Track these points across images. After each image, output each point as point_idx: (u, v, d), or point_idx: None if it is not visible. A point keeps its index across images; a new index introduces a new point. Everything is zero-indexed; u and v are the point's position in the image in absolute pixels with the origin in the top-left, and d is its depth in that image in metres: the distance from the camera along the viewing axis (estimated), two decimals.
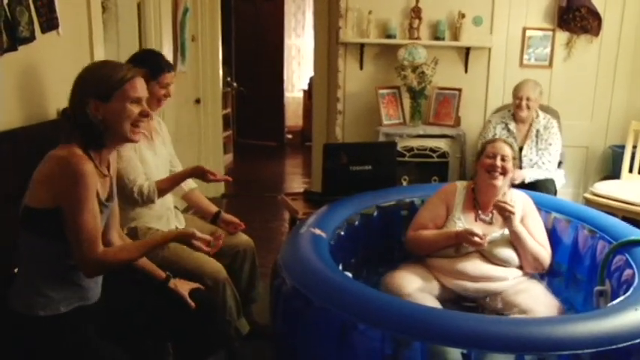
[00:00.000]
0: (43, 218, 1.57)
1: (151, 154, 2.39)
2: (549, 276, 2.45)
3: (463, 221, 2.41)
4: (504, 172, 2.38)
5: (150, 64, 2.30)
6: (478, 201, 2.46)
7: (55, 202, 1.55)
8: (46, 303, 1.61)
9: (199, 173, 2.37)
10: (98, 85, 1.62)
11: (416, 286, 2.23)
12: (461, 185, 2.54)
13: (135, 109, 1.66)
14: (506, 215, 2.29)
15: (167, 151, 2.55)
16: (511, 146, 2.46)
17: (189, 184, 2.66)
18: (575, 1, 4.26)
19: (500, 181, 2.39)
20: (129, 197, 2.23)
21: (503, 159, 2.39)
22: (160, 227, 2.36)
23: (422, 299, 2.14)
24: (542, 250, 2.36)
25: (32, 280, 1.62)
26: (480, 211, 2.44)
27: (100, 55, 2.63)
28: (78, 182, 1.54)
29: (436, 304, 2.15)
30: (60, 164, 1.56)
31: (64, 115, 1.66)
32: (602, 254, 2.23)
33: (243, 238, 2.60)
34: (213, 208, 2.64)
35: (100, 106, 1.61)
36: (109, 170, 1.75)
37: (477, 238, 2.23)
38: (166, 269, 2.03)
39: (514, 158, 2.43)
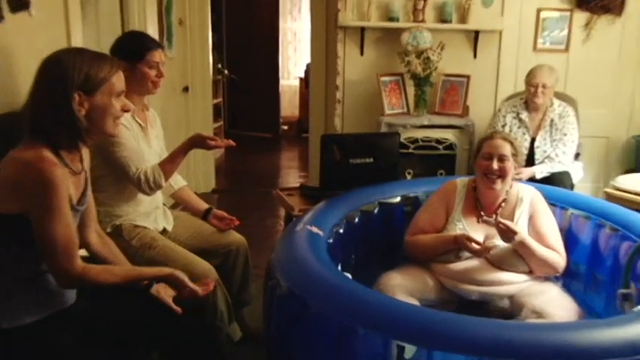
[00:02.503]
0: (5, 223, 1.55)
1: (146, 147, 2.38)
2: (566, 277, 2.42)
3: (464, 224, 2.38)
4: (503, 175, 2.31)
5: (134, 45, 2.30)
6: (480, 201, 2.42)
7: (22, 209, 1.53)
8: (9, 313, 1.59)
9: (199, 142, 2.33)
10: (84, 77, 1.59)
11: (406, 289, 2.20)
12: (461, 183, 2.50)
13: (118, 104, 1.67)
14: (509, 237, 2.22)
15: (160, 146, 2.53)
16: (511, 142, 2.37)
17: (179, 181, 2.65)
18: None
19: (499, 185, 2.32)
20: (135, 187, 2.24)
21: (501, 159, 2.31)
22: (147, 225, 2.35)
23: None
24: (554, 254, 2.30)
25: None
26: (482, 213, 2.40)
27: (77, 39, 2.61)
28: (49, 191, 1.52)
29: None
30: (28, 170, 1.52)
31: (37, 109, 1.60)
32: (626, 254, 2.21)
33: (235, 236, 2.58)
34: (204, 205, 2.63)
35: (85, 101, 1.60)
36: (82, 164, 1.74)
37: (474, 245, 2.19)
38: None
39: (514, 155, 2.34)
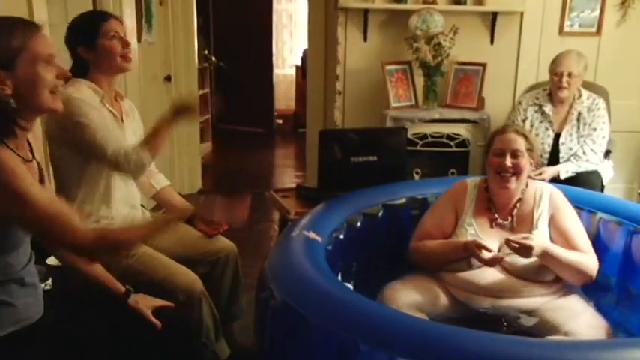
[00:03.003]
0: None
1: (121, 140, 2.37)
2: (595, 290, 2.41)
3: (475, 228, 2.38)
4: (517, 172, 2.32)
5: (84, 22, 2.29)
6: (493, 202, 2.42)
7: None
8: None
9: (184, 108, 2.31)
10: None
11: (413, 301, 2.20)
12: (472, 183, 2.51)
13: (49, 73, 1.57)
14: (527, 253, 2.18)
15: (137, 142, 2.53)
16: (525, 136, 2.38)
17: (161, 181, 2.65)
18: None
19: (513, 184, 2.33)
20: (115, 169, 2.24)
21: (514, 155, 2.32)
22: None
23: None
24: (584, 257, 2.28)
25: None
26: (496, 215, 2.41)
27: (41, 17, 2.61)
28: (7, 176, 1.47)
29: None
30: None
31: None
32: None
33: (224, 242, 2.59)
34: (188, 209, 2.63)
35: (6, 78, 1.51)
36: (32, 152, 1.69)
37: (485, 253, 2.18)
38: (130, 281, 2.02)
39: (529, 150, 2.35)
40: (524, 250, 2.17)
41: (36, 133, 1.74)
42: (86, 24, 2.29)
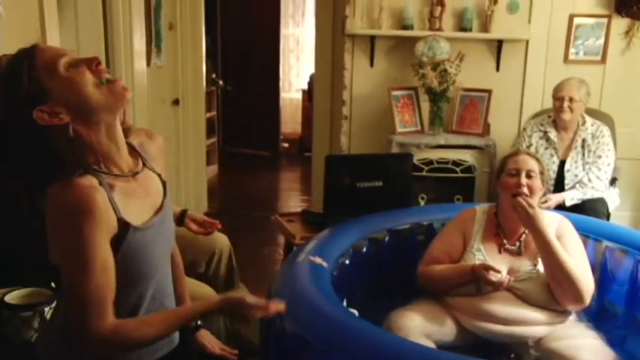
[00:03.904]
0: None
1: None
2: (601, 320, 2.40)
3: (483, 253, 2.37)
4: (531, 192, 2.33)
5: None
6: (502, 227, 2.42)
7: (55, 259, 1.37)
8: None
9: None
10: (31, 88, 1.33)
11: (420, 328, 2.19)
12: (480, 210, 2.52)
13: (76, 72, 1.35)
14: (522, 213, 2.23)
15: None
16: (538, 160, 2.42)
17: None
18: None
19: None
20: None
21: (528, 175, 2.34)
22: None
23: None
24: (581, 270, 2.25)
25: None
26: (504, 240, 2.40)
27: (54, 43, 2.63)
28: (73, 228, 1.32)
29: None
30: (51, 202, 1.33)
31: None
32: None
33: (216, 238, 2.59)
34: (177, 208, 2.61)
35: (54, 107, 1.33)
36: (139, 159, 1.53)
37: (493, 275, 2.18)
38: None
39: (542, 173, 2.38)
40: (526, 210, 2.22)
41: (143, 140, 1.58)
42: None
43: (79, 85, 1.34)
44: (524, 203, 2.24)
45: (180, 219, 2.54)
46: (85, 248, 1.31)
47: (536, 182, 2.35)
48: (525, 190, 2.31)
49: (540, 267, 2.30)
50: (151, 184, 1.54)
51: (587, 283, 2.24)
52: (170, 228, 1.62)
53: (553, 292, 2.24)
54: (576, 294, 2.21)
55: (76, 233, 1.31)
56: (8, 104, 1.33)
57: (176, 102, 4.96)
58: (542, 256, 2.26)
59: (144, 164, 1.53)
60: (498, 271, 2.19)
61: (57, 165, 1.35)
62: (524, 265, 2.32)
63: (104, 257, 1.34)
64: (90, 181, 1.35)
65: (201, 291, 2.26)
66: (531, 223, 2.24)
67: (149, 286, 1.50)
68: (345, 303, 2.19)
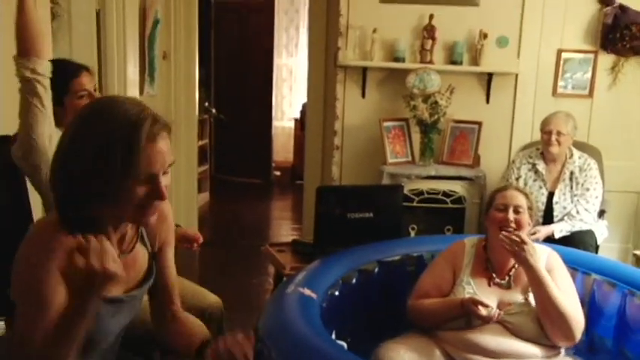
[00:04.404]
0: None
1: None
2: (589, 353, 2.39)
3: (473, 286, 2.37)
4: (518, 227, 2.33)
5: (55, 77, 2.15)
6: (491, 262, 2.42)
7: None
8: None
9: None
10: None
11: None
12: (469, 243, 2.52)
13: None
14: (516, 250, 2.22)
15: None
16: (526, 195, 2.43)
17: None
18: (623, 17, 4.30)
19: None
20: None
21: (516, 211, 2.35)
22: None
23: None
24: (572, 306, 2.25)
25: None
26: (494, 274, 2.40)
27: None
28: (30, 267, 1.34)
29: None
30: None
31: None
32: None
33: (210, 298, 2.53)
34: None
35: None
36: (142, 240, 1.57)
37: (482, 309, 2.17)
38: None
39: (530, 209, 2.40)
40: (516, 244, 2.21)
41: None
42: (56, 79, 2.16)
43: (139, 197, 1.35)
44: (515, 238, 2.23)
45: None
46: (42, 289, 1.31)
47: (524, 217, 2.36)
48: (513, 225, 2.32)
49: (532, 300, 2.29)
50: (135, 261, 1.54)
51: (578, 320, 2.24)
52: (137, 306, 1.61)
53: (544, 327, 2.24)
54: (567, 331, 2.22)
55: (37, 272, 1.31)
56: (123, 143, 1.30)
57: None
58: (534, 291, 2.26)
59: (137, 240, 1.54)
60: (487, 306, 2.19)
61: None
62: (515, 297, 2.32)
63: (59, 304, 1.33)
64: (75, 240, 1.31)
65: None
66: (523, 259, 2.23)
67: (92, 352, 1.48)
68: (334, 335, 2.18)
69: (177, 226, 2.55)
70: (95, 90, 2.34)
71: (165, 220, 1.66)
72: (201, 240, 2.55)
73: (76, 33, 3.45)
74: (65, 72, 2.24)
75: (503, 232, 2.27)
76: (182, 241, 2.53)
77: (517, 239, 2.23)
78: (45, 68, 2.09)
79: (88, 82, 2.30)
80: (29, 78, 2.06)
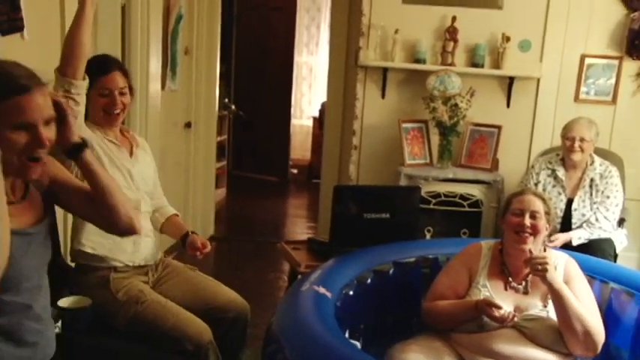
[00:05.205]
0: None
1: (129, 166, 2.38)
2: None
3: (489, 289, 2.35)
4: (535, 232, 2.31)
5: (89, 69, 2.17)
6: (507, 266, 2.41)
7: None
8: None
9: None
10: None
11: None
12: (486, 246, 2.50)
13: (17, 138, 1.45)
14: (539, 273, 2.20)
15: (149, 175, 2.54)
16: (544, 200, 2.40)
17: (167, 211, 2.64)
18: None
19: (530, 244, 2.31)
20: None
21: (533, 216, 2.33)
22: (123, 260, 2.34)
23: None
24: (594, 320, 2.24)
25: None
26: (510, 278, 2.38)
27: None
28: None
29: None
30: None
31: None
32: None
33: (235, 299, 2.52)
34: (184, 229, 2.61)
35: None
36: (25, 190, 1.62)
37: (496, 311, 2.16)
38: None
39: (547, 213, 2.37)
40: (540, 266, 2.18)
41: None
42: (89, 72, 2.19)
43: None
44: (540, 261, 2.21)
45: (184, 240, 2.56)
46: None
47: (541, 222, 2.33)
48: (529, 230, 2.31)
49: (551, 308, 2.27)
50: (31, 204, 1.63)
51: (599, 332, 2.23)
52: (47, 244, 1.67)
53: (564, 338, 2.23)
54: (589, 344, 2.21)
55: None
56: None
57: (188, 125, 5.00)
58: (557, 308, 2.23)
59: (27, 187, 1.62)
60: (500, 307, 2.17)
61: None
62: (533, 304, 2.30)
63: None
64: None
65: (195, 326, 2.25)
66: (548, 282, 2.21)
67: (18, 291, 1.55)
68: (347, 334, 2.18)
69: (193, 233, 2.58)
70: (123, 92, 2.33)
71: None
72: (207, 249, 2.54)
73: (102, 27, 3.48)
74: (97, 68, 2.27)
75: (529, 258, 2.23)
76: (190, 248, 2.55)
77: (539, 261, 2.20)
78: (79, 88, 2.11)
79: (114, 83, 2.31)
80: (62, 95, 2.07)
